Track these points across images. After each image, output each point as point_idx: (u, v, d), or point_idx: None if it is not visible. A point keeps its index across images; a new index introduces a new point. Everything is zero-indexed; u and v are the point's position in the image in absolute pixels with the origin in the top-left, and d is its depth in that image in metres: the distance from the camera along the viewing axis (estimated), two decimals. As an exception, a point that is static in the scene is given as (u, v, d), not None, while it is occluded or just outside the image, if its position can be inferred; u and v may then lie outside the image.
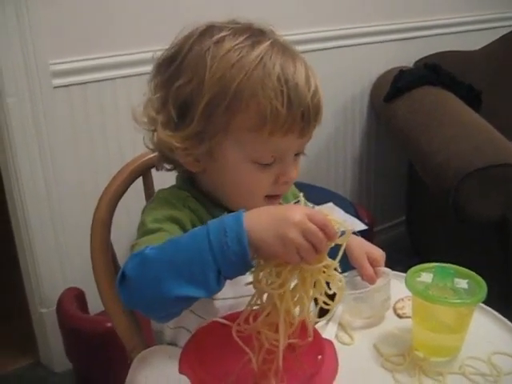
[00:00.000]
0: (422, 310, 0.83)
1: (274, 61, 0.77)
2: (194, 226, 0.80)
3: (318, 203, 1.83)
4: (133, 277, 0.68)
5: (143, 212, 0.83)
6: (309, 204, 0.93)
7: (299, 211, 0.66)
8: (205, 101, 0.76)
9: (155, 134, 0.82)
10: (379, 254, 0.96)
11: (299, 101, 0.76)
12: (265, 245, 0.65)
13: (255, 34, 0.80)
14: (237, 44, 0.77)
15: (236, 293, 0.79)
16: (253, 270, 0.68)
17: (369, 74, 2.29)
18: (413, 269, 0.86)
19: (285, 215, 0.66)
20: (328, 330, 0.88)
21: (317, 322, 0.77)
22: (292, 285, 0.69)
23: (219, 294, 0.76)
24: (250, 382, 0.71)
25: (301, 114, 0.77)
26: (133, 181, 1.01)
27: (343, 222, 0.72)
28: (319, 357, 0.70)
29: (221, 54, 0.76)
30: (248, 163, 0.79)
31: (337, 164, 2.34)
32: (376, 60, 2.29)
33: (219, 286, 0.66)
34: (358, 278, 0.93)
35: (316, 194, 1.93)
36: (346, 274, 0.90)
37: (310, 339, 0.70)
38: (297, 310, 0.69)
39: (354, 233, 1.00)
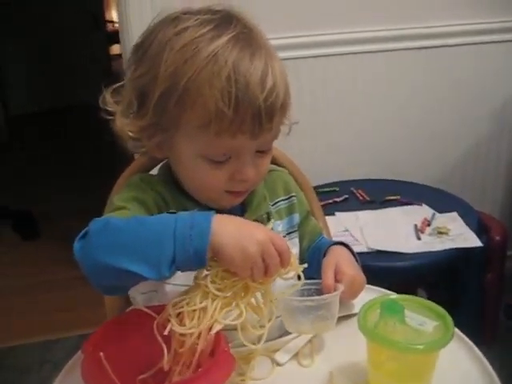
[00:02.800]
0: (372, 352, 0.75)
1: (228, 57, 0.75)
2: (159, 209, 0.84)
3: (441, 210, 1.72)
4: (93, 236, 0.70)
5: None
6: (279, 230, 0.94)
7: (264, 232, 0.71)
8: (158, 94, 0.77)
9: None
10: (351, 273, 0.86)
11: (248, 102, 0.74)
12: (224, 251, 0.68)
13: (222, 25, 0.78)
14: (196, 37, 0.76)
15: (187, 281, 0.78)
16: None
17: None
18: (366, 304, 0.77)
19: (251, 231, 0.70)
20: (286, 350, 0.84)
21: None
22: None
23: (171, 279, 0.81)
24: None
25: (251, 115, 0.75)
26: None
27: (295, 257, 0.76)
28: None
29: (177, 48, 0.76)
30: (200, 158, 0.80)
31: (486, 172, 2.11)
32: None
33: (169, 273, 0.68)
34: (316, 288, 0.85)
35: (441, 200, 1.81)
36: (309, 281, 0.85)
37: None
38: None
39: (351, 250, 0.94)
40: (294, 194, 0.99)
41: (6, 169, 3.73)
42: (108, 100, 0.81)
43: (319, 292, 0.84)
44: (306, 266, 0.78)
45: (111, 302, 1.04)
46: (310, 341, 0.84)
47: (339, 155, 2.04)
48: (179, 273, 0.75)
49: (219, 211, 0.84)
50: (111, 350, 0.72)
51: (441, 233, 1.63)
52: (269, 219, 0.91)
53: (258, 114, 0.75)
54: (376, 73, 1.96)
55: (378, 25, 1.89)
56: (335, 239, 1.57)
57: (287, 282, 0.78)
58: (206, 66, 0.74)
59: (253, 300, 0.74)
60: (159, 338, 0.71)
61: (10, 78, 4.67)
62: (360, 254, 1.49)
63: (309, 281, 0.84)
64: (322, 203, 1.82)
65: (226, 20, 0.79)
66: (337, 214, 1.78)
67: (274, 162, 1.16)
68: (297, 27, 1.84)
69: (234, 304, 0.71)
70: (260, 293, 0.75)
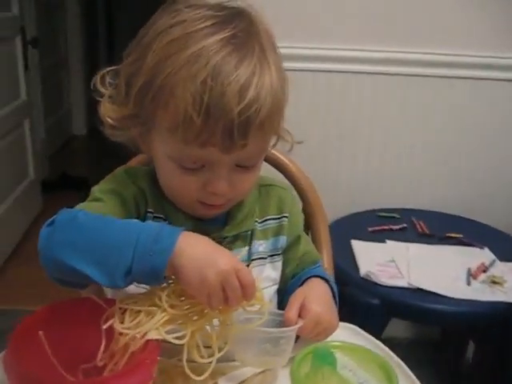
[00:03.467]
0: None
1: (210, 59, 0.68)
2: (137, 205, 0.80)
3: (504, 258, 1.56)
4: (57, 228, 0.68)
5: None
6: (259, 251, 0.87)
7: (230, 261, 0.65)
8: (138, 85, 0.73)
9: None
10: (317, 310, 0.75)
11: (220, 113, 0.67)
12: (183, 273, 0.64)
13: (221, 23, 0.71)
14: (188, 33, 0.70)
15: None
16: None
17: None
18: (299, 355, 0.68)
19: (215, 258, 0.65)
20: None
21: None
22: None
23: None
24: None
25: (222, 128, 0.68)
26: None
27: (262, 292, 0.71)
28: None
29: (166, 41, 0.71)
30: (172, 162, 0.75)
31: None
32: None
33: (123, 283, 0.65)
34: (281, 320, 0.76)
35: (507, 246, 1.65)
36: (277, 311, 0.78)
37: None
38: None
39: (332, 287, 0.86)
40: (286, 215, 0.91)
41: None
42: (97, 82, 0.77)
43: (283, 325, 0.75)
44: (272, 305, 0.73)
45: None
46: (262, 372, 0.75)
47: (405, 180, 1.93)
48: None
49: (200, 219, 0.82)
50: (53, 332, 0.70)
51: (494, 282, 1.47)
52: (251, 237, 0.86)
53: (229, 128, 0.68)
54: (457, 103, 1.84)
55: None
56: (377, 269, 1.51)
57: (250, 313, 0.72)
58: (185, 65, 0.68)
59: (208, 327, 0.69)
60: (103, 332, 0.68)
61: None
62: (399, 288, 1.43)
63: (277, 311, 0.78)
64: (377, 228, 1.75)
65: (228, 18, 0.72)
66: (387, 241, 1.67)
67: (288, 177, 1.12)
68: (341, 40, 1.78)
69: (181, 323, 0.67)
70: (218, 319, 0.70)
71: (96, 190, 0.81)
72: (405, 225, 1.78)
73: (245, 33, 0.72)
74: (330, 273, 1.06)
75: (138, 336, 0.65)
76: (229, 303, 0.65)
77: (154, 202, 0.81)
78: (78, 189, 2.92)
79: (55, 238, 0.68)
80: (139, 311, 0.67)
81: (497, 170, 1.91)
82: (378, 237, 1.70)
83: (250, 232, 0.86)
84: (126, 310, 0.68)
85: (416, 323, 2.02)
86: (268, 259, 0.89)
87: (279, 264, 0.91)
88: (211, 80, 0.67)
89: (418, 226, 1.78)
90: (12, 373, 0.61)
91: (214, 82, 0.67)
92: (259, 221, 0.88)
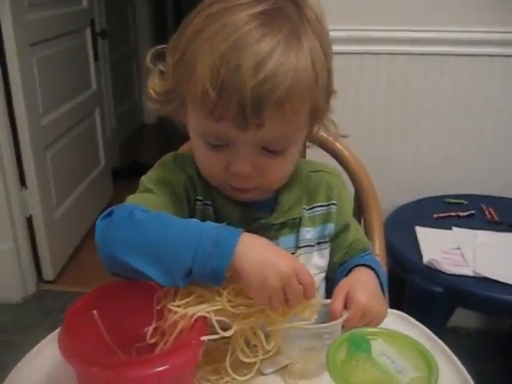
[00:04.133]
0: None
1: (233, 33, 0.66)
2: (187, 193, 0.81)
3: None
4: (115, 225, 0.69)
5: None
6: (307, 238, 0.87)
7: (290, 263, 0.65)
8: (175, 59, 0.73)
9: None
10: (363, 300, 0.74)
11: (234, 87, 0.65)
12: (243, 276, 0.65)
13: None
14: (225, 7, 0.68)
15: None
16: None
17: None
18: (335, 342, 0.64)
19: (276, 260, 0.65)
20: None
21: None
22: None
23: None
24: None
25: (236, 103, 0.66)
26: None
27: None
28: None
29: (204, 16, 0.70)
30: (199, 137, 0.74)
31: None
32: None
33: (183, 283, 0.66)
34: (327, 311, 0.75)
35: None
36: (324, 301, 0.77)
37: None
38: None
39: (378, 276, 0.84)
40: (334, 202, 0.88)
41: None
42: (148, 57, 0.77)
43: (328, 316, 0.74)
44: (319, 294, 0.72)
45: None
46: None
47: (473, 166, 1.85)
48: None
49: (247, 205, 0.81)
50: (107, 312, 0.72)
51: None
52: (299, 224, 0.85)
53: (242, 103, 0.65)
54: None
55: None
56: (441, 256, 1.46)
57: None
58: (209, 39, 0.67)
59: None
60: (154, 310, 0.70)
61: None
62: (463, 277, 1.38)
63: (324, 301, 0.77)
64: (444, 214, 1.69)
65: None
66: (454, 229, 1.62)
67: (340, 162, 1.09)
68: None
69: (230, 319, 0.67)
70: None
71: (145, 179, 0.81)
72: (473, 211, 1.71)
73: (279, 10, 0.69)
74: (382, 260, 1.04)
75: (189, 314, 0.66)
76: (289, 304, 0.66)
77: (202, 188, 0.81)
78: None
79: (113, 235, 0.69)
80: (190, 293, 0.68)
81: None
82: (444, 223, 1.64)
83: (297, 219, 0.85)
84: (177, 291, 0.69)
85: (484, 314, 1.95)
86: (315, 247, 0.88)
87: (327, 252, 0.89)
88: (229, 53, 0.65)
89: (487, 213, 1.71)
90: (66, 351, 0.63)
91: (232, 55, 0.65)
92: (307, 208, 0.87)
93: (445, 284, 1.39)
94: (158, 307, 0.71)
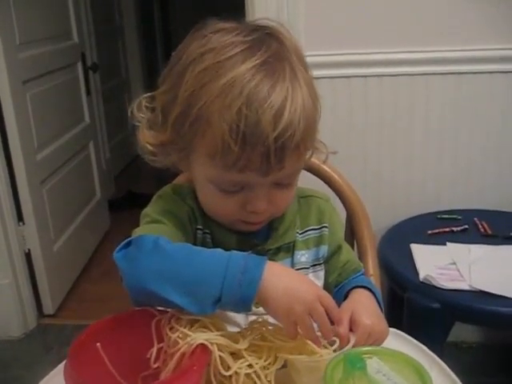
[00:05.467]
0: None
1: (244, 87, 0.69)
2: (190, 221, 0.83)
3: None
4: (142, 255, 0.69)
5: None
6: (302, 261, 0.89)
7: (313, 290, 0.68)
8: (175, 114, 0.75)
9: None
10: (367, 322, 0.74)
11: (257, 140, 0.69)
12: (270, 302, 0.67)
13: (251, 48, 0.72)
14: (219, 61, 0.71)
15: None
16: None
17: None
18: (331, 362, 0.65)
19: (299, 290, 0.67)
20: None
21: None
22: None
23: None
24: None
25: (259, 154, 0.70)
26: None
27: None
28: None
29: (198, 70, 0.72)
30: (211, 184, 0.77)
31: None
32: None
33: (211, 310, 0.67)
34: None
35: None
36: None
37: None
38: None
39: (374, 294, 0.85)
40: (326, 225, 0.91)
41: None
42: (135, 110, 0.80)
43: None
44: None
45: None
46: None
47: (465, 181, 1.88)
48: None
49: (242, 233, 0.83)
50: (112, 343, 0.74)
51: (562, 282, 1.42)
52: (293, 248, 0.88)
53: (266, 154, 0.70)
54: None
55: None
56: (437, 272, 1.48)
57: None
58: (220, 95, 0.70)
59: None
60: (154, 335, 0.71)
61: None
62: (460, 292, 1.40)
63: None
64: (437, 230, 1.71)
65: (257, 42, 0.73)
66: (448, 244, 1.64)
67: (331, 186, 1.12)
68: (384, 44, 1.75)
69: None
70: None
71: (150, 211, 0.83)
72: (466, 226, 1.74)
73: (275, 57, 0.73)
74: (376, 279, 1.06)
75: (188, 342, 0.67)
76: (321, 330, 0.68)
77: (201, 218, 0.84)
78: (144, 206, 3.00)
79: (141, 265, 0.69)
80: (197, 320, 0.69)
81: None
82: (438, 239, 1.66)
83: (291, 243, 0.88)
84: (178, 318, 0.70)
85: (483, 327, 1.96)
86: (310, 269, 0.90)
87: (322, 273, 0.92)
88: (246, 108, 0.69)
89: (481, 227, 1.73)
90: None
91: (249, 110, 0.69)
92: (300, 232, 0.89)
93: (442, 300, 1.41)
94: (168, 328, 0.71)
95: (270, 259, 0.82)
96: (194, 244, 0.83)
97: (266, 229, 0.86)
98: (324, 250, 0.91)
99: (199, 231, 0.84)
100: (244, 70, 0.70)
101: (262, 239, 0.85)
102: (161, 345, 0.70)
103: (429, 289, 1.43)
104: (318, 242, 0.91)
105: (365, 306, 0.79)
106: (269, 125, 0.69)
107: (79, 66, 2.78)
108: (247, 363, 0.68)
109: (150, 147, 0.79)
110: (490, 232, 1.70)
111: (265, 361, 0.69)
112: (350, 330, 0.75)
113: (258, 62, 0.71)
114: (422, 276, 1.47)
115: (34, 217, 2.24)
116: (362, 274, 0.94)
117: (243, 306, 0.67)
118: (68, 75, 2.68)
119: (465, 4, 1.71)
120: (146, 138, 0.80)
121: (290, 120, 0.70)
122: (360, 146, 1.86)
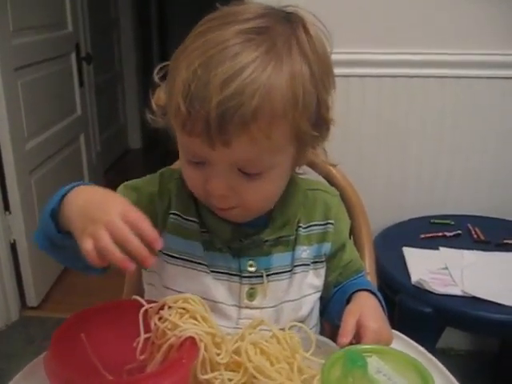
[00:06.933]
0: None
1: (211, 48, 0.65)
2: (152, 201, 0.82)
3: None
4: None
5: None
6: (303, 257, 0.85)
7: (114, 209, 0.62)
8: (167, 72, 0.74)
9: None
10: (375, 326, 0.72)
11: (200, 104, 0.65)
12: (72, 221, 0.65)
13: (263, 19, 0.69)
14: (222, 23, 0.68)
15: (188, 289, 0.74)
16: None
17: None
18: (330, 359, 0.63)
19: (98, 208, 0.63)
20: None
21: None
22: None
23: (172, 284, 0.79)
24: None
25: (202, 118, 0.65)
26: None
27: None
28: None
29: (197, 31, 0.70)
30: (181, 152, 0.75)
31: None
32: None
33: (62, 239, 0.69)
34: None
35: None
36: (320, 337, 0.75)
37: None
38: None
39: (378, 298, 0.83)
40: (331, 221, 0.87)
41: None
42: (155, 72, 0.77)
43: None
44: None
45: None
46: None
47: (459, 186, 1.87)
48: (182, 279, 0.76)
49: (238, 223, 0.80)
50: (96, 334, 0.71)
51: (555, 290, 1.40)
52: (295, 243, 0.84)
53: (207, 119, 0.65)
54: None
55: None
56: (430, 277, 1.46)
57: None
58: (190, 53, 0.67)
59: None
60: (141, 326, 0.68)
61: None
62: (452, 297, 1.38)
63: (323, 339, 0.74)
64: (430, 235, 1.70)
65: (267, 18, 0.69)
66: (441, 249, 1.62)
67: (330, 181, 1.10)
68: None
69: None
70: None
71: (124, 184, 0.85)
72: (459, 231, 1.72)
73: (268, 29, 0.68)
74: (372, 277, 1.04)
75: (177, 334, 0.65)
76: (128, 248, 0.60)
77: (181, 204, 0.82)
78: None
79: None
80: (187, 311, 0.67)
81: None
82: (431, 244, 1.65)
83: (293, 237, 0.84)
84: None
85: (473, 333, 1.95)
86: (311, 266, 0.86)
87: (322, 271, 0.88)
88: (201, 69, 0.65)
89: (474, 233, 1.72)
90: (52, 375, 0.62)
91: (203, 71, 0.65)
92: (304, 226, 0.85)
93: (434, 304, 1.39)
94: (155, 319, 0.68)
95: (268, 251, 0.81)
96: (164, 228, 0.82)
97: (265, 219, 0.82)
98: (327, 247, 0.87)
99: (173, 215, 0.82)
100: (229, 32, 0.67)
101: (260, 229, 0.81)
102: (148, 335, 0.67)
103: (420, 292, 1.42)
104: (322, 238, 0.86)
105: (372, 311, 0.77)
106: (215, 88, 0.64)
107: (73, 56, 2.75)
108: (222, 377, 0.66)
109: (154, 107, 0.78)
110: (482, 238, 1.68)
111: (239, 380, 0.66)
112: (358, 335, 0.72)
113: (247, 27, 0.68)
114: (414, 279, 1.45)
115: (20, 207, 2.20)
116: (363, 276, 0.92)
117: (47, 224, 0.69)
118: (61, 65, 2.64)
119: (466, 8, 1.70)
120: (156, 99, 0.78)
121: (241, 89, 0.64)
122: (355, 148, 1.84)
